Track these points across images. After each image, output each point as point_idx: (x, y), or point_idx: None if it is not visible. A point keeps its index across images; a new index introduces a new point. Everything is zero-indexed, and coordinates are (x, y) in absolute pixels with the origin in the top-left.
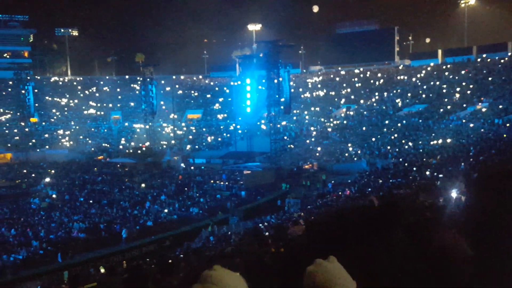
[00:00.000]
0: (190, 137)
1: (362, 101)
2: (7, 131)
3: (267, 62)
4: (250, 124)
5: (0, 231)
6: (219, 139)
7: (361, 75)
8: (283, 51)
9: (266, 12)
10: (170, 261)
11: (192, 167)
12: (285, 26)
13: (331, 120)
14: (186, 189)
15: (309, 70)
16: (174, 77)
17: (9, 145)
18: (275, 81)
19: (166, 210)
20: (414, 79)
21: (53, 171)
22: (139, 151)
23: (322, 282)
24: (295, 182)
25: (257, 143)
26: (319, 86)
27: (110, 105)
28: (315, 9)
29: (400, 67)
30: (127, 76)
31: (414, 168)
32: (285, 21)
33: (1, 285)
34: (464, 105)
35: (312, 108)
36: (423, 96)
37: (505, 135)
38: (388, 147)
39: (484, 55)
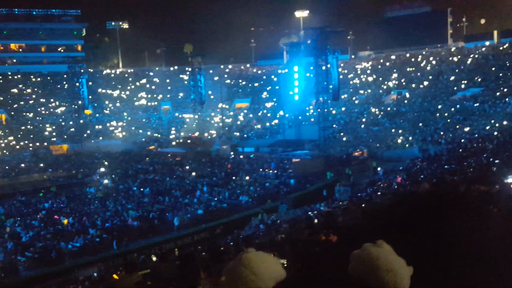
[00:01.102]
0: (239, 125)
1: (413, 86)
2: (63, 123)
3: (315, 49)
4: (298, 112)
5: (59, 219)
6: (267, 127)
7: (413, 59)
8: (331, 37)
9: None
10: (221, 248)
11: (241, 156)
12: (333, 11)
13: (382, 106)
14: (235, 177)
15: (358, 56)
16: (222, 66)
17: (65, 136)
18: (323, 68)
19: (216, 199)
20: (469, 62)
21: (106, 162)
22: (188, 141)
23: (365, 266)
24: (344, 170)
25: (305, 131)
26: (368, 71)
27: (160, 96)
28: None
29: (453, 49)
30: (176, 67)
31: (469, 154)
32: (333, 7)
33: (60, 272)
34: None
35: (362, 92)
36: (478, 79)
37: None
38: (442, 133)
39: None
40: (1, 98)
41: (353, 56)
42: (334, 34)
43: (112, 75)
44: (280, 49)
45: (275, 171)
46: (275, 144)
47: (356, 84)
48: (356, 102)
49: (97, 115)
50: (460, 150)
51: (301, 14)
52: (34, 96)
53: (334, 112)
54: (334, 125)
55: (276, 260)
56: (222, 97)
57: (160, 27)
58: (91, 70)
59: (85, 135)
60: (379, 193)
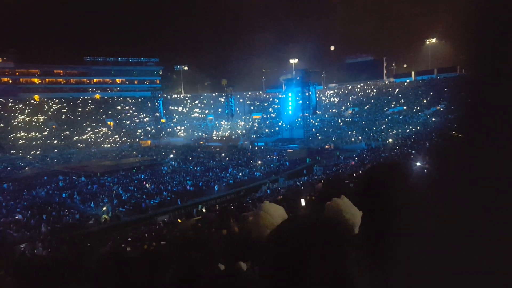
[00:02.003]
0: (255, 129)
1: (361, 105)
2: (147, 127)
3: (302, 82)
4: (291, 121)
5: (145, 186)
6: (272, 130)
7: (362, 88)
8: (311, 75)
9: (301, 51)
10: (244, 204)
11: (256, 148)
12: (313, 59)
13: (342, 117)
14: (252, 161)
15: (328, 87)
16: (244, 93)
17: (149, 135)
18: (307, 94)
19: (240, 174)
20: (396, 90)
21: (174, 151)
22: (223, 138)
23: (336, 212)
24: (319, 156)
25: (295, 132)
26: (334, 96)
27: (207, 111)
28: (332, 48)
29: (386, 83)
30: (216, 93)
31: (395, 147)
32: (313, 56)
33: (145, 218)
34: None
35: (330, 110)
36: (402, 101)
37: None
38: (379, 134)
39: (442, 74)
40: (111, 112)
41: (324, 87)
42: (313, 73)
43: (177, 98)
44: (280, 82)
45: (277, 157)
46: (277, 140)
47: (327, 104)
48: (326, 115)
49: (168, 122)
50: (390, 145)
51: (293, 61)
52: (130, 111)
53: (312, 121)
54: (313, 129)
55: (281, 207)
56: (244, 111)
57: (207, 68)
58: (165, 95)
59: (161, 134)
60: (340, 170)
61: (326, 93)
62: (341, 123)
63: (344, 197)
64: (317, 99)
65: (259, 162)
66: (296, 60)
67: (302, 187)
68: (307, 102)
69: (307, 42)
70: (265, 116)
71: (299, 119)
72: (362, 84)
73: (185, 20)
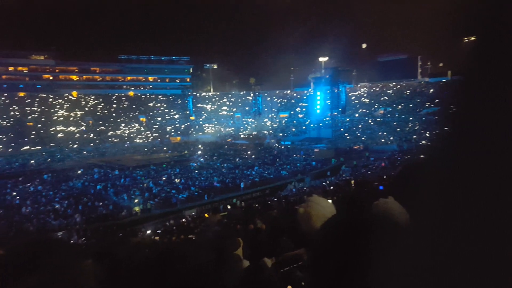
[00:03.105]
0: (282, 128)
1: (394, 105)
2: (177, 124)
3: (331, 81)
4: (319, 120)
5: (174, 180)
6: (299, 129)
7: (394, 88)
8: (341, 73)
9: (331, 49)
10: (269, 202)
11: (282, 146)
12: (344, 57)
13: (373, 117)
14: (278, 159)
15: (359, 85)
16: (272, 91)
17: (179, 132)
18: (336, 93)
19: (266, 172)
20: (431, 91)
21: (202, 147)
22: (250, 136)
23: (384, 211)
24: (347, 157)
25: (323, 132)
26: (365, 95)
27: (234, 109)
28: (364, 45)
29: (421, 82)
30: (244, 92)
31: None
32: (344, 54)
33: (174, 212)
34: None
35: (360, 110)
36: (436, 101)
37: None
38: (414, 136)
39: None
40: (143, 109)
41: (355, 86)
42: (343, 71)
43: (207, 96)
44: (308, 81)
45: (303, 157)
46: (304, 140)
47: (357, 103)
48: (356, 115)
49: (197, 119)
50: (424, 147)
51: (323, 59)
52: (161, 108)
53: (341, 121)
54: (342, 129)
55: (330, 202)
56: (272, 110)
57: (236, 67)
58: (195, 93)
59: (190, 131)
60: (369, 172)
61: (357, 92)
62: (372, 123)
63: (392, 198)
64: (347, 98)
65: (286, 161)
66: (325, 58)
67: (328, 188)
68: (336, 101)
69: (338, 39)
70: (292, 115)
71: (327, 118)
72: (394, 84)
73: (215, 19)
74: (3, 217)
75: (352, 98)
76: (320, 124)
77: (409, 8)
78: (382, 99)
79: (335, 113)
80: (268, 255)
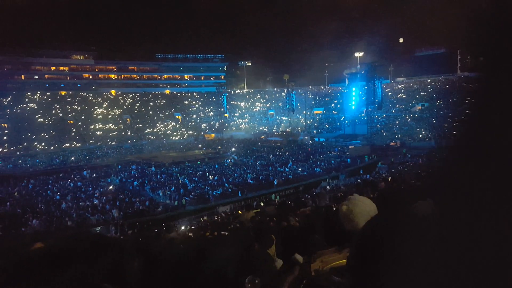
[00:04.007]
0: (316, 124)
1: (432, 101)
2: (212, 122)
3: (367, 76)
4: (354, 116)
5: (208, 177)
6: (334, 126)
7: (432, 83)
8: (377, 68)
9: (366, 44)
10: (302, 199)
11: (316, 143)
12: (380, 52)
13: (410, 113)
14: (312, 156)
15: (396, 80)
16: (306, 87)
17: (213, 129)
18: (372, 88)
19: (300, 169)
20: (472, 86)
21: (236, 144)
22: (284, 133)
23: (426, 211)
24: (384, 154)
25: (358, 128)
26: (402, 91)
27: (268, 105)
28: (401, 40)
29: (461, 77)
30: (278, 88)
31: None
32: (380, 49)
33: (208, 208)
34: None
35: (397, 106)
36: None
37: None
38: (453, 132)
39: None
40: (179, 106)
41: (392, 81)
42: (379, 66)
43: (240, 93)
44: (343, 76)
45: (338, 153)
46: (338, 136)
47: (394, 99)
48: (393, 111)
49: (231, 117)
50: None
51: (358, 54)
52: (196, 106)
53: (377, 117)
54: (378, 125)
55: (371, 201)
56: (306, 106)
57: (269, 64)
58: (229, 90)
59: (224, 128)
60: (406, 169)
61: (393, 87)
62: (409, 120)
63: (430, 200)
64: (383, 94)
65: (320, 157)
66: (361, 53)
67: (363, 185)
68: (372, 97)
69: (373, 34)
70: (326, 111)
71: (362, 115)
72: (433, 79)
73: (250, 16)
74: (44, 212)
75: (389, 93)
76: (356, 121)
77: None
78: (419, 94)
79: (371, 109)
80: (300, 252)
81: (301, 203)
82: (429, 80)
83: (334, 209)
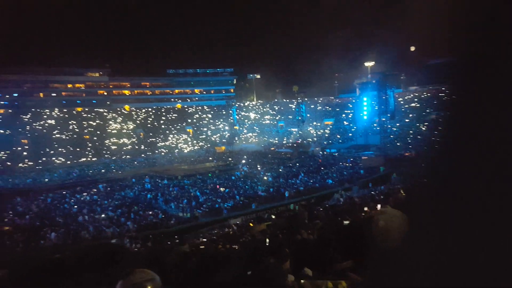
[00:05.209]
0: (326, 135)
1: (444, 110)
2: (222, 134)
3: (378, 86)
4: (366, 126)
5: (219, 189)
6: (345, 136)
7: (445, 92)
8: (389, 77)
9: (377, 53)
10: (315, 212)
11: (328, 154)
12: (391, 61)
13: (424, 123)
14: (323, 168)
15: (408, 89)
16: (316, 98)
17: (223, 141)
18: (384, 98)
19: (311, 181)
20: None
21: (246, 157)
22: (294, 145)
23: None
24: (398, 164)
25: (371, 139)
26: (415, 100)
27: (278, 117)
28: (412, 48)
29: None
30: (287, 100)
31: None
32: (391, 58)
33: (220, 220)
34: None
35: (410, 115)
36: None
37: None
38: None
39: None
40: (190, 120)
41: (404, 90)
42: (391, 75)
43: (250, 105)
44: (354, 86)
45: (350, 165)
46: (350, 147)
47: (407, 108)
48: (407, 120)
49: (241, 129)
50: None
51: (369, 63)
52: (207, 119)
53: (390, 126)
54: (391, 135)
55: (402, 213)
56: (316, 117)
57: (278, 76)
58: (239, 103)
59: (234, 141)
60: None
61: (406, 96)
62: (424, 129)
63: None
64: (396, 103)
65: (332, 169)
66: (371, 63)
67: (378, 197)
68: (384, 107)
69: (384, 43)
70: (337, 122)
71: (375, 125)
72: (445, 87)
73: (257, 29)
74: (62, 225)
75: (401, 103)
76: (368, 131)
77: (461, 4)
78: (433, 103)
79: (383, 119)
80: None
81: (314, 216)
82: (443, 89)
83: (356, 222)
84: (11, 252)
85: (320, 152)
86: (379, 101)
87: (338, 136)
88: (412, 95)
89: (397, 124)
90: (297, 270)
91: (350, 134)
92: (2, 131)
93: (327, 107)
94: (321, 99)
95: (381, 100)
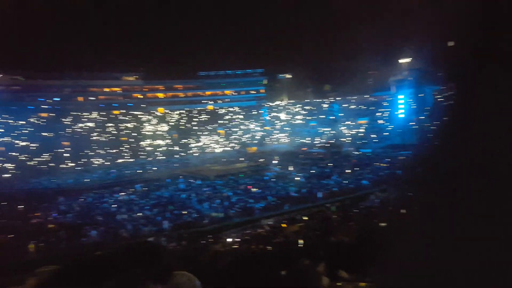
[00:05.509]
0: (360, 135)
1: None
2: (253, 135)
3: (415, 83)
4: (403, 125)
5: (251, 190)
6: (380, 136)
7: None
8: (427, 74)
9: (414, 49)
10: (350, 214)
11: (362, 154)
12: (429, 56)
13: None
14: (358, 168)
15: (448, 86)
16: (349, 97)
17: (255, 142)
18: (421, 96)
19: (345, 181)
20: None
21: (277, 157)
22: (327, 145)
23: None
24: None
25: (408, 138)
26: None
27: (309, 117)
28: (451, 43)
29: None
30: (319, 99)
31: None
32: (430, 53)
33: (252, 220)
34: None
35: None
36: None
37: None
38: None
39: None
40: (221, 121)
41: (444, 87)
42: (429, 72)
43: (281, 106)
44: (389, 84)
45: (386, 165)
46: (386, 147)
47: (446, 106)
48: (446, 118)
49: (272, 129)
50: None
51: (405, 60)
52: (238, 120)
53: (428, 125)
54: (429, 134)
55: None
56: (349, 116)
57: (310, 75)
58: (269, 103)
59: (265, 141)
60: None
61: (446, 93)
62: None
63: None
64: (434, 100)
65: (366, 169)
66: (408, 59)
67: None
68: (422, 105)
69: (422, 38)
70: (372, 121)
71: (412, 123)
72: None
73: (288, 29)
74: (101, 223)
75: (440, 100)
76: (404, 130)
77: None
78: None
79: (421, 117)
80: (349, 269)
81: (348, 217)
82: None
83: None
84: (56, 248)
85: (354, 152)
86: (416, 99)
87: (373, 136)
88: (451, 92)
89: (436, 123)
90: (332, 273)
91: (386, 133)
92: (45, 134)
93: (361, 106)
94: (354, 97)
95: (419, 97)
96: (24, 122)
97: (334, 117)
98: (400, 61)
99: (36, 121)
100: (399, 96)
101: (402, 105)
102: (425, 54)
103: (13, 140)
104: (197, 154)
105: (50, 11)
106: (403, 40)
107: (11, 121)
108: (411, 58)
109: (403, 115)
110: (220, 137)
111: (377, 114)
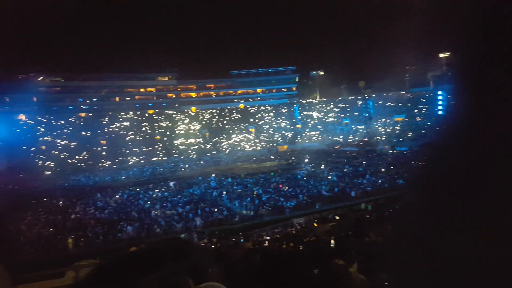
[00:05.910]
0: (397, 132)
1: None
2: (284, 133)
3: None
4: (441, 122)
5: (282, 188)
6: (418, 133)
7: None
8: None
9: (454, 43)
10: (385, 214)
11: (398, 153)
12: (471, 52)
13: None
14: (393, 167)
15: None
16: (384, 94)
17: (286, 140)
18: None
19: (380, 181)
20: None
21: (309, 155)
22: (361, 143)
23: None
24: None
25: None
26: None
27: (342, 115)
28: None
29: None
30: (353, 96)
31: None
32: (473, 47)
33: (283, 219)
34: None
35: None
36: None
37: None
38: None
39: None
40: (252, 120)
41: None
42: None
43: (313, 103)
44: (427, 80)
45: (424, 163)
46: (423, 145)
47: None
48: None
49: (304, 127)
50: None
51: (444, 55)
52: (269, 118)
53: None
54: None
55: None
56: (385, 114)
57: (343, 71)
58: (301, 101)
59: (296, 140)
60: None
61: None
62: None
63: None
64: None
65: (402, 168)
66: (447, 54)
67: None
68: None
69: (462, 30)
70: (409, 118)
71: (452, 120)
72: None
73: (320, 24)
74: (136, 219)
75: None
76: (443, 127)
77: None
78: None
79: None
80: (382, 269)
81: (382, 217)
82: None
83: None
84: (93, 243)
85: (390, 150)
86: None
87: (410, 133)
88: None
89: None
90: (367, 274)
91: (424, 131)
92: (83, 133)
93: (398, 102)
94: (390, 94)
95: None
96: (64, 122)
97: (368, 115)
98: (440, 55)
99: (75, 121)
100: (438, 92)
101: (440, 101)
102: (465, 47)
103: (54, 139)
104: (228, 152)
105: (90, 16)
106: (442, 33)
107: (52, 121)
108: (449, 52)
109: (441, 112)
110: (251, 136)
111: (414, 111)
